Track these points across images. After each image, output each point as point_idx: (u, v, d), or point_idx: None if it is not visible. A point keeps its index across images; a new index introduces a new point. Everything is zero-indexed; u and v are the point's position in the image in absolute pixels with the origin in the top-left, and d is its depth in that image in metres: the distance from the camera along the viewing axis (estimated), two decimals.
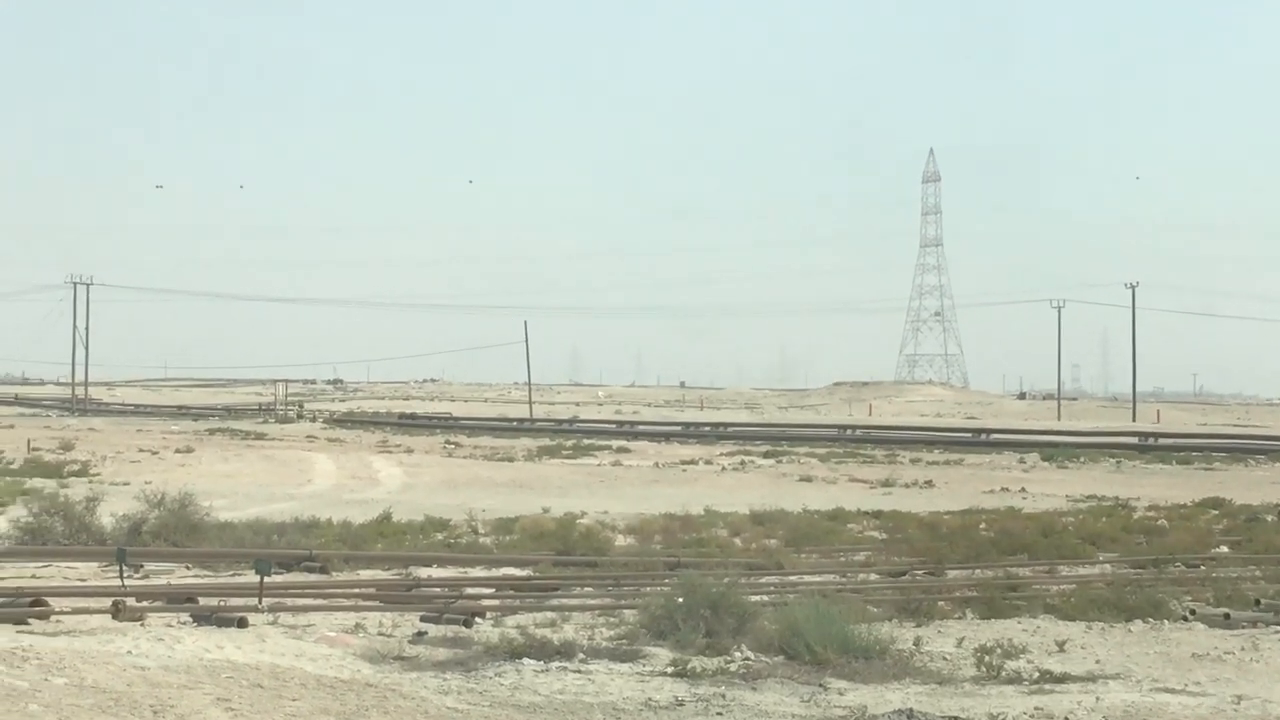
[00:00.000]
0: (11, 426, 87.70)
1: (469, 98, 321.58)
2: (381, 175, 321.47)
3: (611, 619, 19.12)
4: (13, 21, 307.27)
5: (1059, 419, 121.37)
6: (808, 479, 54.33)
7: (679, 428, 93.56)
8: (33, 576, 23.22)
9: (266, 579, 19.81)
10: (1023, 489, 49.43)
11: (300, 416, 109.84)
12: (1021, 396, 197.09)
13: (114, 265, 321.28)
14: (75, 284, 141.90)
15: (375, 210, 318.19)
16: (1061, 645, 17.16)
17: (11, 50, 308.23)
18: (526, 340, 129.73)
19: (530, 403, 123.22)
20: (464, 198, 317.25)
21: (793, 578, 24.38)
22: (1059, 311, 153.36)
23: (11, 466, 53.45)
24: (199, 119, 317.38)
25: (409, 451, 69.46)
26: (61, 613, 18.47)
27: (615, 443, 76.70)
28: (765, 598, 20.49)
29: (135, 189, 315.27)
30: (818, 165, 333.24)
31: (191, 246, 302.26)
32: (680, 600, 17.51)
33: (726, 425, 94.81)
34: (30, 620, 18.07)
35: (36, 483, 45.52)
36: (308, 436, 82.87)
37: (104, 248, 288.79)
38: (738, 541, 31.59)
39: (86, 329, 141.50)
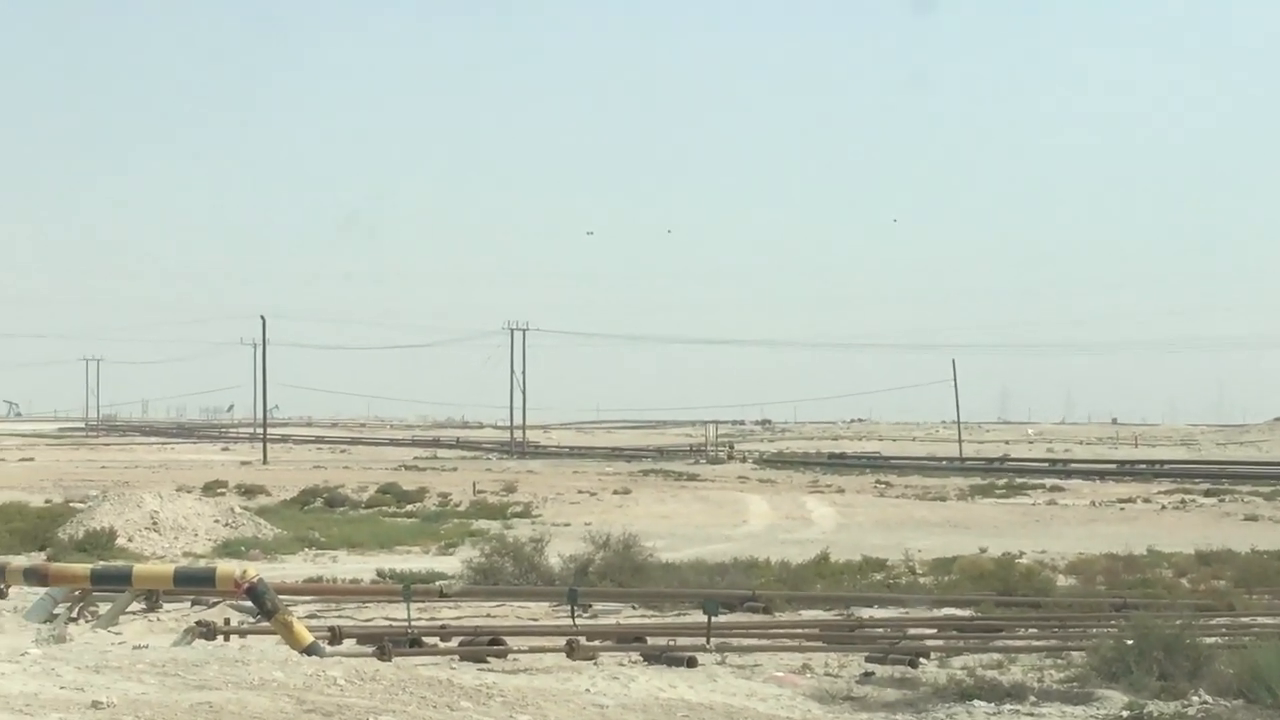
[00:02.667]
0: (455, 469, 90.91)
1: (881, 140, 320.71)
2: (796, 217, 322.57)
3: (1059, 661, 18.85)
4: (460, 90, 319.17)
5: None
6: (1253, 518, 52.46)
7: (1113, 465, 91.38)
8: (488, 616, 24.07)
9: (713, 619, 20.13)
10: None
11: (731, 457, 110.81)
12: None
13: (548, 310, 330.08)
14: (512, 330, 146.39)
15: (795, 252, 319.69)
16: None
17: (465, 117, 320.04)
18: (955, 378, 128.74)
19: (960, 441, 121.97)
20: (886, 234, 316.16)
21: (1245, 619, 23.62)
22: None
23: (458, 508, 55.40)
24: (626, 166, 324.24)
25: (840, 491, 69.50)
26: (518, 651, 19.13)
27: (1048, 481, 75.34)
28: (1218, 640, 19.90)
29: (568, 235, 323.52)
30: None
31: (621, 290, 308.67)
32: (1131, 642, 17.14)
33: (1163, 463, 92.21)
34: (489, 659, 18.76)
35: (482, 524, 47.11)
36: (739, 477, 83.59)
37: (538, 293, 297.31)
38: (1184, 582, 30.72)
39: (523, 373, 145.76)
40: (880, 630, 21.99)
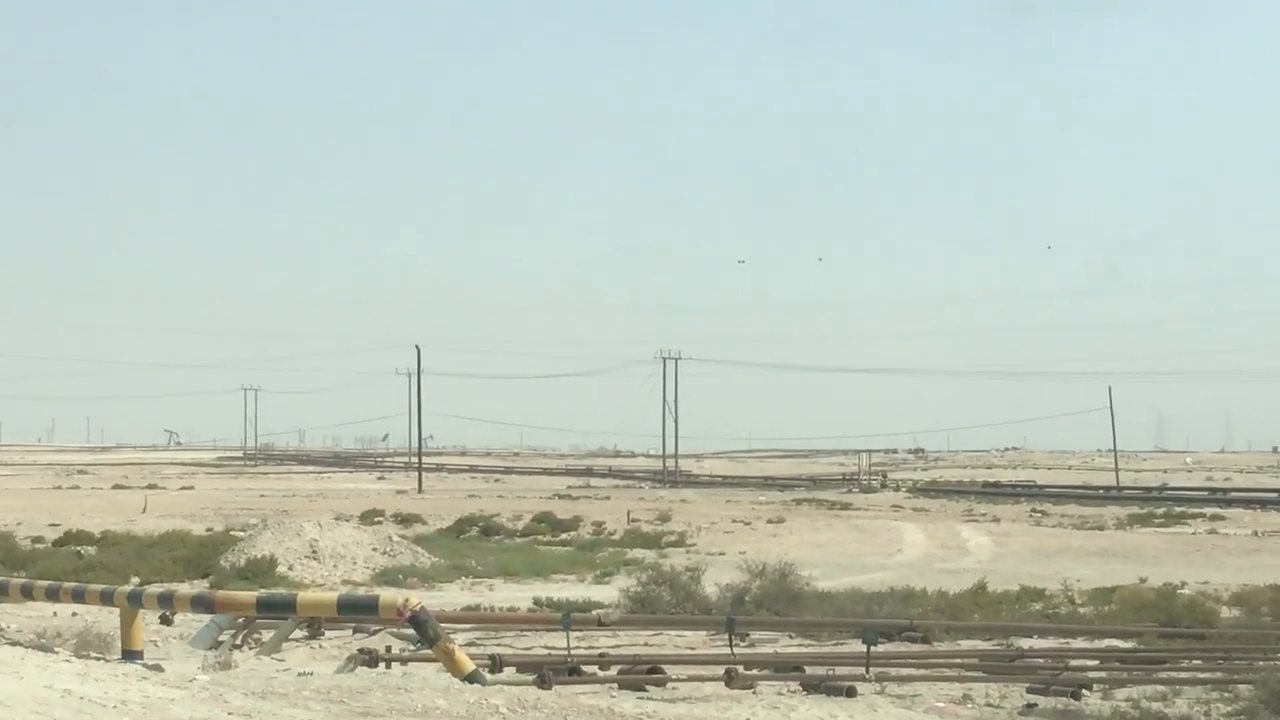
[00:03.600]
0: (608, 498, 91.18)
1: (1036, 167, 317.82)
2: (948, 244, 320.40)
3: (1226, 694, 18.56)
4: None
5: None
6: None
7: (1276, 494, 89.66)
8: (645, 644, 24.12)
9: (872, 648, 20.05)
10: None
11: (884, 486, 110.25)
12: None
13: (701, 340, 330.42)
14: (665, 359, 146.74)
15: (948, 279, 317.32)
16: None
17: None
18: (1111, 406, 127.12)
19: (1116, 470, 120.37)
20: (1041, 261, 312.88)
21: None
22: None
23: (613, 537, 55.56)
24: (780, 197, 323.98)
25: (995, 520, 68.82)
26: (677, 680, 19.15)
27: (1208, 510, 74.09)
28: None
29: (719, 264, 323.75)
30: None
31: (772, 319, 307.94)
32: None
33: None
34: (648, 687, 18.80)
35: (637, 552, 47.23)
36: (893, 506, 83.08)
37: (692, 322, 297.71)
38: None
39: (675, 402, 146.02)
40: (1041, 661, 21.75)
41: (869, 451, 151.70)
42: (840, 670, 19.73)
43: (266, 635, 23.50)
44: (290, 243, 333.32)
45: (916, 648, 23.60)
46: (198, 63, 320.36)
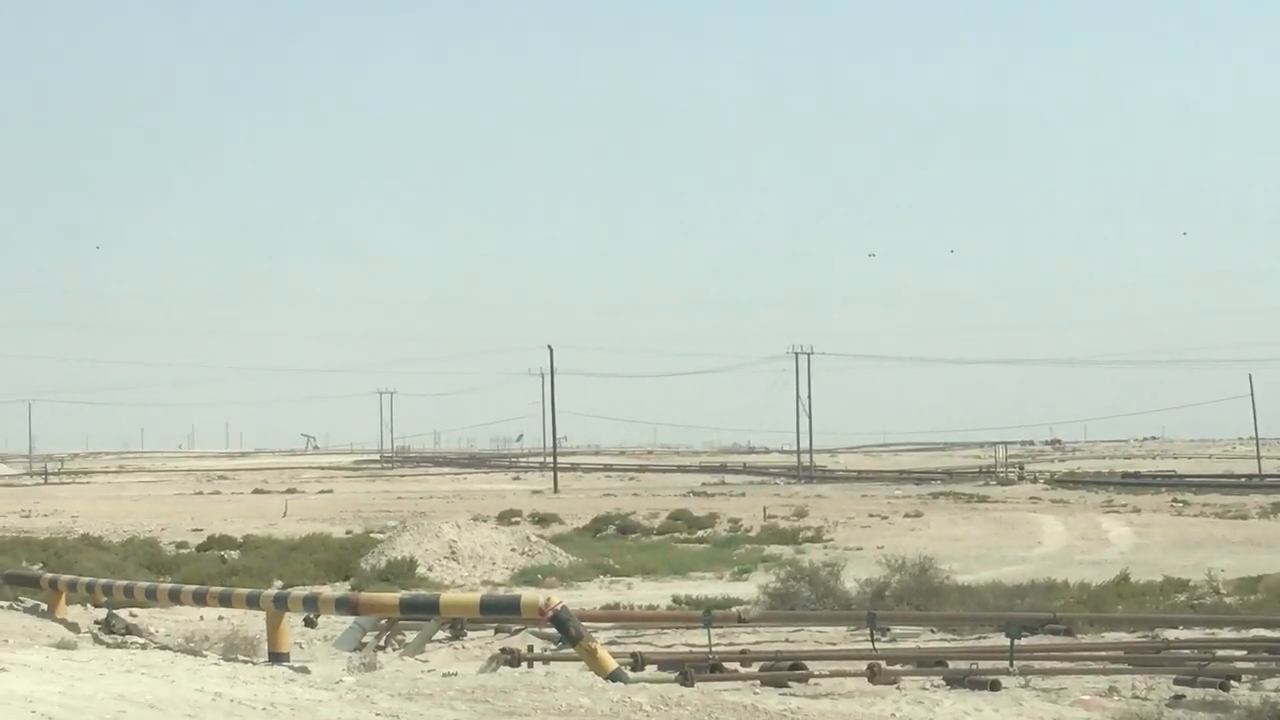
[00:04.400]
0: (743, 495, 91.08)
1: (1179, 152, 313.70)
2: (1083, 232, 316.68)
3: None
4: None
5: None
6: None
7: None
8: (786, 640, 24.09)
9: (1015, 641, 19.91)
10: None
11: (1021, 478, 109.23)
12: None
13: (832, 334, 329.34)
14: (796, 354, 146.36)
15: (1082, 267, 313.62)
16: None
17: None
18: (1252, 394, 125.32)
19: (1259, 458, 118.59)
20: (1179, 247, 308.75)
21: None
22: None
23: (750, 534, 55.52)
24: (907, 188, 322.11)
25: (1136, 511, 68.02)
26: (819, 676, 19.11)
27: None
28: None
29: (851, 257, 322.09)
30: None
31: (904, 312, 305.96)
32: None
33: None
34: (790, 683, 18.78)
35: (774, 549, 47.17)
36: (1031, 498, 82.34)
37: (822, 316, 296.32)
38: None
39: (809, 397, 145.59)
40: (1187, 652, 21.48)
41: (1005, 443, 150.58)
42: (983, 664, 19.59)
43: (409, 637, 23.71)
44: (421, 246, 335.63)
45: (1060, 640, 23.36)
46: (349, 70, 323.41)
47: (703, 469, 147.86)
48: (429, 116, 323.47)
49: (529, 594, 19.81)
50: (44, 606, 22.84)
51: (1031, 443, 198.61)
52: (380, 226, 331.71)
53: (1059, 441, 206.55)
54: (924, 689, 17.80)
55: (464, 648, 24.02)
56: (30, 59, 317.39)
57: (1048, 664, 20.28)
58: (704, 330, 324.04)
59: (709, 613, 23.01)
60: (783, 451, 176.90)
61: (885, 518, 63.77)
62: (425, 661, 21.60)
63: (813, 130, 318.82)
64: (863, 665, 19.21)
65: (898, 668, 19.49)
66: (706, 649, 20.90)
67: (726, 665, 19.73)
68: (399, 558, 39.68)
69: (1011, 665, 19.19)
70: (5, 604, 23.66)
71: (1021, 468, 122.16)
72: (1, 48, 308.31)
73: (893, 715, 15.08)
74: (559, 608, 16.14)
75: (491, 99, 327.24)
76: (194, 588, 22.48)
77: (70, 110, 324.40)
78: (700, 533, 57.12)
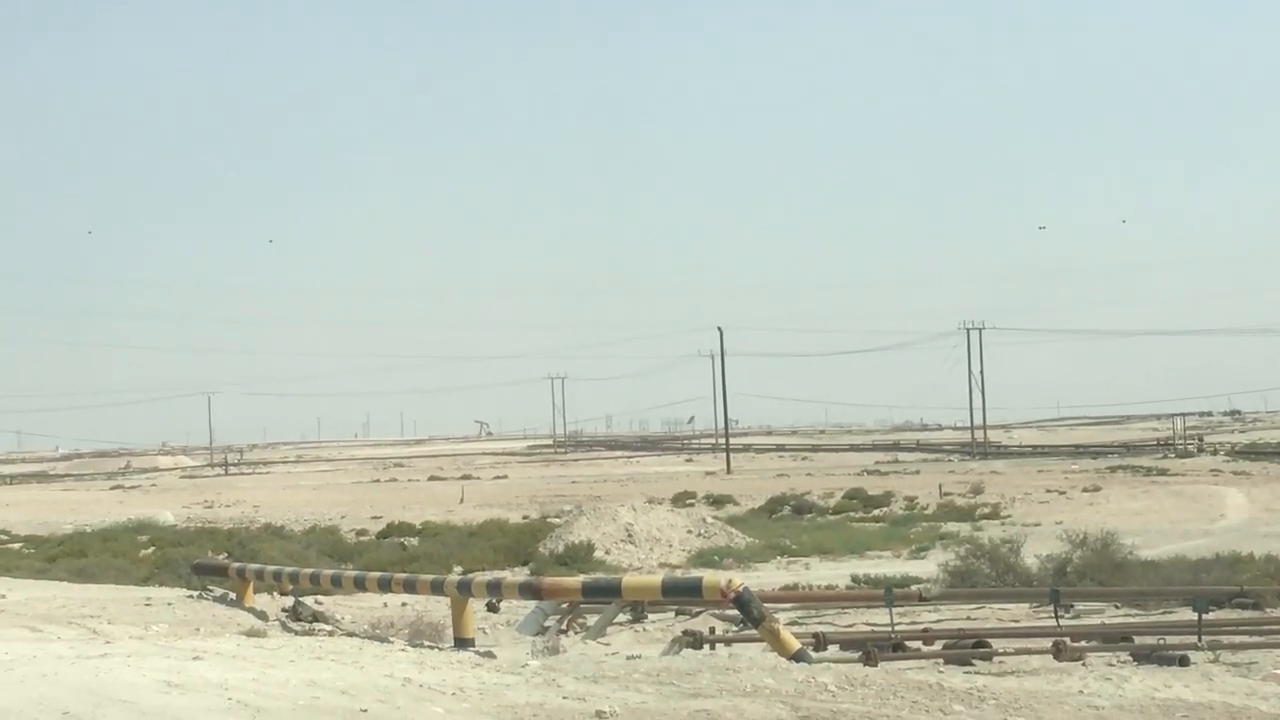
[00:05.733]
0: (917, 472, 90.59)
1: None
2: (1257, 196, 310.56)
3: None
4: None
5: None
6: None
7: None
8: (968, 618, 23.94)
9: (1203, 616, 19.61)
10: None
11: (1201, 450, 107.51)
12: None
13: (1003, 309, 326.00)
14: (969, 329, 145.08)
15: (1259, 233, 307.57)
16: None
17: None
18: None
19: None
20: None
21: None
22: None
23: (926, 511, 55.22)
24: (1074, 159, 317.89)
25: None
26: (1004, 653, 18.96)
27: None
28: None
29: (1023, 230, 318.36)
30: None
31: (1075, 284, 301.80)
32: None
33: None
34: (974, 661, 18.65)
35: (951, 526, 46.86)
36: (1211, 470, 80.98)
37: (992, 291, 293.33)
38: None
39: (981, 373, 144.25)
40: None
41: (1182, 415, 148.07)
42: (1170, 640, 19.34)
43: (589, 620, 23.86)
44: (588, 230, 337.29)
45: (1248, 614, 23.01)
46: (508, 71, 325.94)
47: (875, 447, 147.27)
48: (600, 101, 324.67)
49: (710, 576, 19.83)
50: (232, 595, 23.22)
51: (1210, 414, 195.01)
52: (549, 213, 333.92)
53: (1238, 412, 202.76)
54: (1110, 665, 17.59)
55: (645, 630, 24.13)
56: (207, 62, 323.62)
57: (1236, 638, 19.96)
58: (875, 308, 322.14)
59: (890, 591, 22.93)
60: (955, 428, 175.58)
61: (1063, 493, 63.08)
62: (607, 645, 21.72)
63: (989, 98, 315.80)
64: (1047, 642, 19.04)
65: (1083, 644, 19.29)
66: (888, 628, 20.83)
67: (909, 644, 19.63)
68: (576, 542, 39.98)
69: (1200, 640, 18.91)
70: (195, 593, 24.11)
71: (1201, 439, 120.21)
72: (181, 56, 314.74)
73: (1080, 692, 14.87)
74: (741, 589, 16.12)
75: (656, 83, 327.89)
76: (378, 575, 22.74)
77: (242, 109, 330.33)
78: (876, 511, 56.96)
